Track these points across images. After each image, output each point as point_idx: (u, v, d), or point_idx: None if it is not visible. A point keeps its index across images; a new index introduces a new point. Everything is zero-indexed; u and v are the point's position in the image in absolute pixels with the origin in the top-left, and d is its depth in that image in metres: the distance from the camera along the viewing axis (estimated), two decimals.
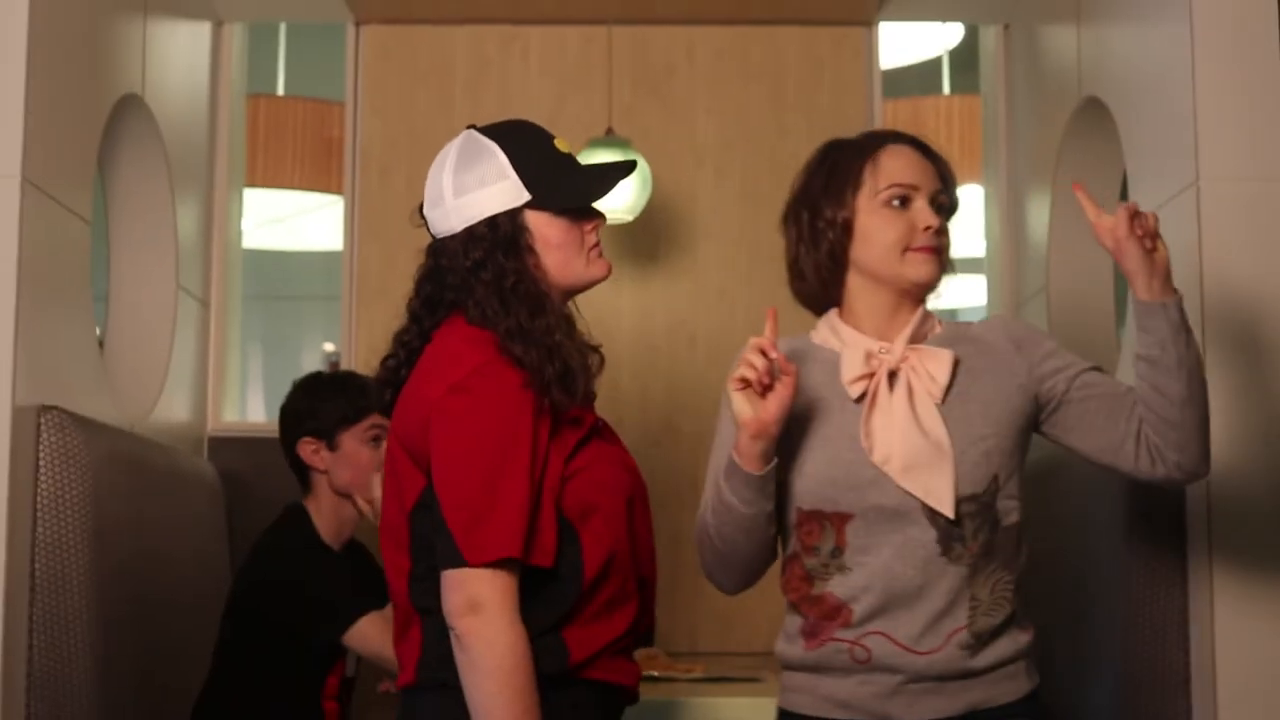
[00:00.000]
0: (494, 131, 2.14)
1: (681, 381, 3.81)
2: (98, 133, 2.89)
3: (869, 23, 3.95)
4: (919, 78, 4.70)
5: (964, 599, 2.01)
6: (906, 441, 2.01)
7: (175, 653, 2.91)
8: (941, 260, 2.11)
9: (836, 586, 2.05)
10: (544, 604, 2.00)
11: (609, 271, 2.19)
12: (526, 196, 2.09)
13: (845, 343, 2.12)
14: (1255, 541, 2.43)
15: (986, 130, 4.01)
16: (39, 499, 2.42)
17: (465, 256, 2.09)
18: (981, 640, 2.02)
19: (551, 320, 2.08)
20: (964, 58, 4.55)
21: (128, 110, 3.14)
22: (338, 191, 4.19)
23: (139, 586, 2.71)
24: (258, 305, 4.15)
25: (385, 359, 2.19)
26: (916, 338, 2.12)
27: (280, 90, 4.76)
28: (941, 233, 2.12)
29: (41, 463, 2.43)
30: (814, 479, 2.05)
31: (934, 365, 2.07)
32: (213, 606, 3.02)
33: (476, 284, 2.08)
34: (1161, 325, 1.98)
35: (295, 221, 4.66)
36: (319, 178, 4.34)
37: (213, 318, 3.77)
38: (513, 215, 2.09)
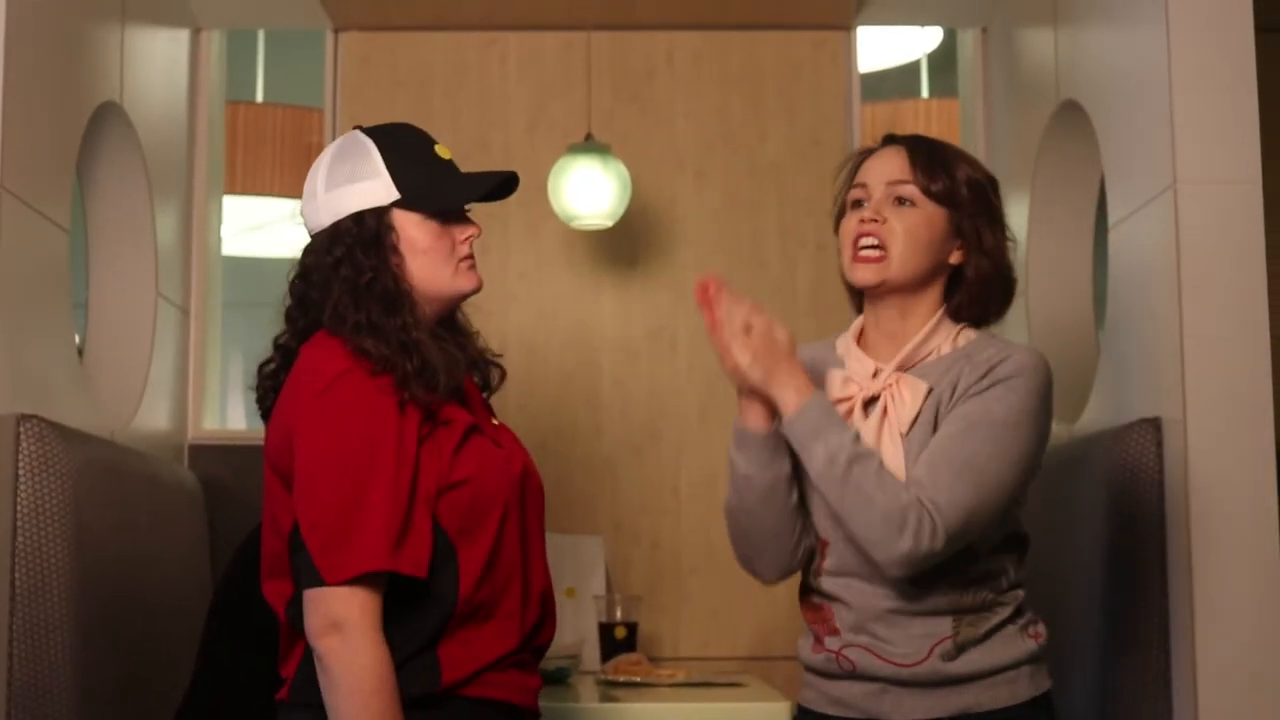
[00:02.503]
0: (374, 131, 2.11)
1: (662, 387, 3.81)
2: (76, 140, 2.88)
3: (847, 27, 3.96)
4: (898, 81, 4.71)
5: (946, 618, 2.01)
6: None
7: (156, 661, 2.90)
8: (888, 256, 2.04)
9: (823, 597, 2.09)
10: (415, 621, 1.95)
11: (479, 285, 2.12)
12: (395, 195, 2.06)
13: (840, 361, 2.12)
14: (1235, 544, 2.43)
15: (965, 133, 4.02)
16: (18, 508, 2.41)
17: (328, 253, 2.05)
18: (965, 650, 2.01)
19: (408, 319, 2.01)
20: (942, 61, 4.57)
21: (106, 118, 3.13)
22: None
23: (120, 595, 2.69)
24: (238, 312, 4.13)
25: (261, 365, 2.14)
26: (910, 360, 2.07)
27: (259, 97, 4.76)
28: (879, 222, 2.04)
29: (21, 471, 2.42)
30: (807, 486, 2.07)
31: (909, 394, 2.03)
32: (194, 614, 3.00)
33: (335, 281, 2.03)
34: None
35: (275, 228, 4.66)
36: (298, 184, 4.29)
37: (192, 325, 3.76)
38: (380, 214, 2.05)
